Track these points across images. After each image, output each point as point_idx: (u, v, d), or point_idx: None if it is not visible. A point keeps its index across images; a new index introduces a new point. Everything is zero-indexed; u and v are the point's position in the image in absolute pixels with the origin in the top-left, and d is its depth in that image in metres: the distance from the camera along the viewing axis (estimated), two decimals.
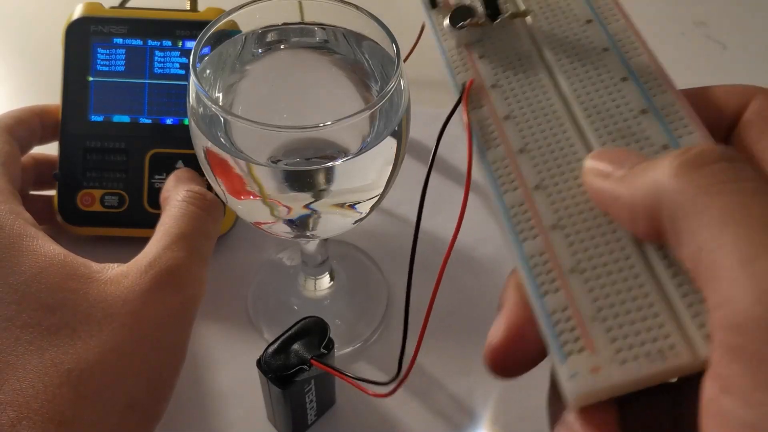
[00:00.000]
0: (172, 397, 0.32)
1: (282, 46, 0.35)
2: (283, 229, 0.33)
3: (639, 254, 0.22)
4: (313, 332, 0.32)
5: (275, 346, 0.32)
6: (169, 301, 0.31)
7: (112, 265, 0.32)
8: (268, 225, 0.33)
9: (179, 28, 0.42)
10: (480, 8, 0.28)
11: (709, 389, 0.17)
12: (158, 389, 0.31)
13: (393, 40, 0.31)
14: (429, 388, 0.38)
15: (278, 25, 0.34)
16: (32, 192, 0.42)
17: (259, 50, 0.34)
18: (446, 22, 0.28)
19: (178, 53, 0.41)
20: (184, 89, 0.41)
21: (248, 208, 0.32)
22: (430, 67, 0.51)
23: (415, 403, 0.37)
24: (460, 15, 0.28)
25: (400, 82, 0.30)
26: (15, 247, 0.31)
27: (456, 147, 0.28)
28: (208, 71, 0.33)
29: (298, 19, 0.34)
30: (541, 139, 0.25)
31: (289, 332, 0.32)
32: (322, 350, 0.32)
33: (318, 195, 0.31)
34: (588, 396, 0.20)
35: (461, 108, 0.26)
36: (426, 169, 0.26)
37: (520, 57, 0.27)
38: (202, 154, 0.31)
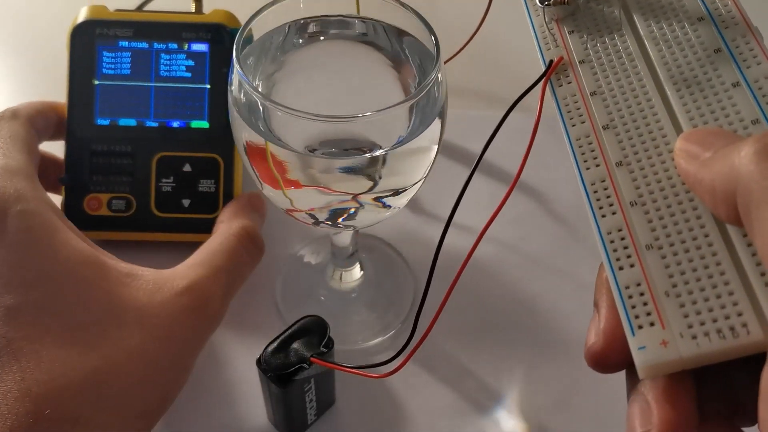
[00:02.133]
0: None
1: (322, 38, 0.35)
2: (318, 219, 0.33)
3: (719, 231, 0.22)
4: (313, 331, 0.32)
5: (275, 345, 0.32)
6: (195, 326, 0.32)
7: (139, 270, 0.33)
8: (303, 214, 0.33)
9: (185, 31, 0.41)
10: None
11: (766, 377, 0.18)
12: (167, 402, 0.32)
13: (432, 32, 0.31)
14: (428, 386, 0.38)
15: (319, 17, 0.35)
16: None
17: (300, 41, 0.35)
18: None
19: (183, 56, 0.41)
20: (191, 92, 0.41)
21: (282, 197, 0.33)
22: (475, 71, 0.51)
23: (416, 401, 0.37)
24: None
25: (438, 76, 0.30)
26: (51, 239, 0.31)
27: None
28: (250, 59, 0.33)
29: (338, 11, 0.34)
30: (627, 114, 0.25)
31: (289, 331, 0.32)
32: (322, 349, 0.31)
33: (353, 186, 0.31)
34: (655, 368, 0.20)
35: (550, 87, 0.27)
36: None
37: (611, 30, 0.27)
38: (242, 142, 0.32)
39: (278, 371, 0.31)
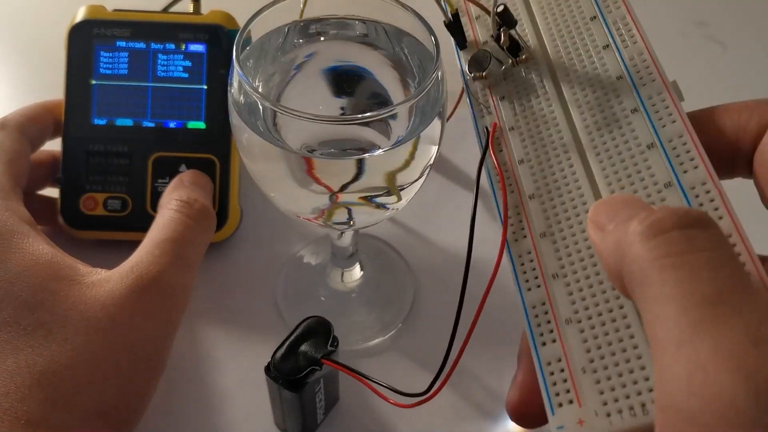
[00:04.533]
0: (179, 399, 0.31)
1: (322, 39, 0.35)
2: (318, 219, 0.33)
3: (633, 306, 0.21)
4: (318, 332, 0.32)
5: (282, 350, 0.32)
6: (148, 307, 0.31)
7: (100, 270, 0.32)
8: (303, 214, 0.33)
9: (182, 31, 0.41)
10: (494, 58, 0.28)
11: None
12: (129, 399, 0.30)
13: (432, 32, 0.31)
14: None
15: (320, 18, 0.35)
16: (38, 192, 0.42)
17: (300, 41, 0.35)
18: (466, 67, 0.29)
19: (181, 56, 0.41)
20: (188, 92, 0.41)
21: (283, 197, 0.33)
22: None
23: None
24: (474, 65, 0.28)
25: (438, 77, 0.30)
26: (5, 243, 0.31)
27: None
28: (250, 61, 0.33)
29: (338, 12, 0.34)
30: (551, 182, 0.25)
31: (294, 335, 0.32)
32: (329, 348, 0.31)
33: (352, 186, 0.31)
34: None
35: (489, 155, 0.26)
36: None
37: (538, 95, 0.27)
38: (242, 143, 0.32)
39: (290, 376, 0.31)
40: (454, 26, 0.30)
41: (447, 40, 0.31)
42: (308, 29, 0.35)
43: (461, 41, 0.30)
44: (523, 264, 0.24)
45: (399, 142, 0.30)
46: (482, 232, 0.40)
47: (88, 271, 0.32)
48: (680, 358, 0.16)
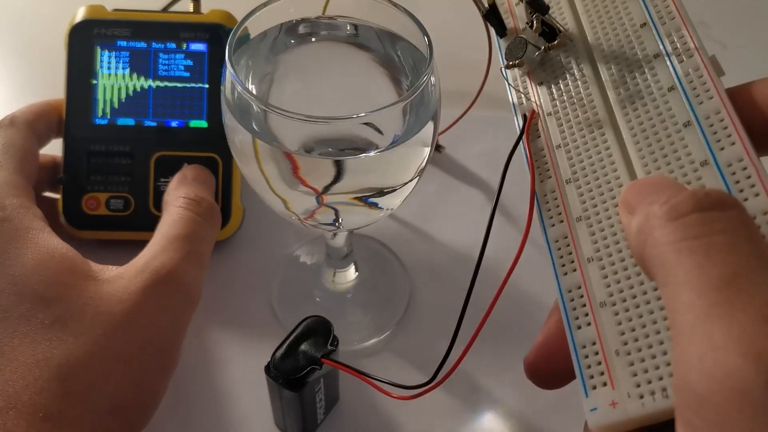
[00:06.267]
0: (179, 400, 0.31)
1: (314, 39, 0.35)
2: (312, 219, 0.33)
3: None
4: (318, 331, 0.32)
5: (282, 350, 0.32)
6: (163, 303, 0.32)
7: (111, 267, 0.33)
8: (297, 215, 0.33)
9: (183, 30, 0.41)
10: (530, 44, 0.28)
11: None
12: (143, 395, 0.31)
13: (425, 33, 0.31)
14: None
15: (311, 18, 0.35)
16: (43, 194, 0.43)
17: (292, 41, 0.35)
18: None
19: (182, 55, 0.41)
20: (189, 91, 0.41)
21: (276, 198, 0.33)
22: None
23: (416, 401, 0.37)
24: (510, 53, 0.28)
25: (431, 77, 0.30)
26: (20, 239, 0.31)
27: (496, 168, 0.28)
28: (243, 60, 0.33)
29: (333, 12, 0.34)
30: (588, 166, 0.25)
31: (294, 334, 0.32)
32: (329, 347, 0.31)
33: (346, 186, 0.31)
34: (606, 429, 0.21)
35: (523, 142, 0.27)
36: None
37: (575, 78, 0.27)
38: (235, 143, 0.32)
39: (290, 376, 0.31)
40: (492, 15, 0.30)
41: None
42: (301, 30, 0.35)
43: (500, 29, 0.30)
44: (559, 249, 0.24)
45: (393, 143, 0.30)
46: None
47: (102, 268, 0.32)
48: (694, 340, 0.17)
